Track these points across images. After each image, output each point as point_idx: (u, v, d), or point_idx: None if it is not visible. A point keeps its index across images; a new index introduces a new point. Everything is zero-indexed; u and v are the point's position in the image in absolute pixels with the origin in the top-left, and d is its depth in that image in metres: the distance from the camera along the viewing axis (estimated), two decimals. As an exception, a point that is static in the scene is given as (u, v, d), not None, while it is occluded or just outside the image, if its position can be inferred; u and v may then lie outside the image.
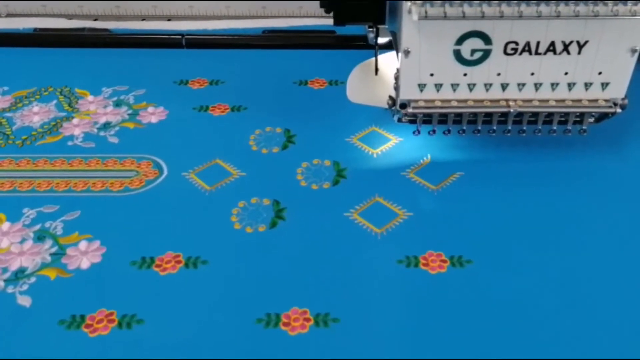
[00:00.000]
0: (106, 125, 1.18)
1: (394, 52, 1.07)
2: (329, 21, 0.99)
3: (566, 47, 0.95)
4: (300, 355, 0.80)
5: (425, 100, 0.99)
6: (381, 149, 1.13)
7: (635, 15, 0.90)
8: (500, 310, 0.85)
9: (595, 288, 0.88)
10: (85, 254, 0.93)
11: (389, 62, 1.13)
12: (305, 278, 0.90)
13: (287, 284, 0.89)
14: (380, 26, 1.03)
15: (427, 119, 1.02)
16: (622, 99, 1.00)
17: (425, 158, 1.10)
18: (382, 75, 1.13)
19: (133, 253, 0.93)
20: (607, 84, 0.98)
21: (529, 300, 0.87)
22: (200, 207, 1.01)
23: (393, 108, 1.02)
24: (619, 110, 1.00)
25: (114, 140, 1.15)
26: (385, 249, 0.94)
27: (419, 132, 1.04)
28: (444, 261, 0.92)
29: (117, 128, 1.18)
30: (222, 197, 1.03)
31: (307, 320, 0.84)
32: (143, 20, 1.52)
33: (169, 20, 1.52)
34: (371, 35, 1.08)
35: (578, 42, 0.94)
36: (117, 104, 1.24)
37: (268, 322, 0.84)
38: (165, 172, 1.07)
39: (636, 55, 0.95)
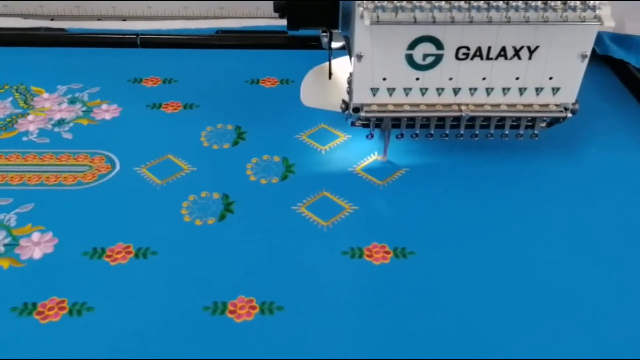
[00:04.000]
0: (61, 122, 1.20)
1: (347, 57, 1.08)
2: (282, 22, 1.01)
3: (517, 53, 0.96)
4: (246, 341, 0.82)
5: (378, 104, 1.00)
6: (329, 145, 1.15)
7: (584, 22, 0.92)
8: (441, 300, 0.88)
9: (536, 281, 0.91)
10: (37, 245, 0.94)
11: (342, 66, 1.14)
12: (252, 268, 0.92)
13: (234, 274, 0.91)
14: (334, 31, 1.04)
15: (379, 123, 1.04)
16: (573, 104, 1.01)
17: (372, 154, 1.13)
18: (335, 79, 1.15)
19: (85, 244, 0.95)
20: (558, 89, 1.00)
21: (468, 290, 0.90)
22: (151, 201, 1.03)
23: (346, 112, 1.03)
24: (569, 115, 1.01)
25: (68, 136, 1.17)
26: (330, 241, 0.96)
27: (372, 136, 1.06)
28: (388, 252, 0.95)
29: (71, 124, 1.20)
30: (173, 191, 1.05)
31: (253, 308, 0.86)
32: (99, 20, 1.54)
33: (124, 20, 1.54)
34: (325, 40, 1.09)
35: (529, 48, 0.95)
36: (72, 102, 1.26)
37: (215, 309, 0.86)
38: (118, 166, 1.09)
39: (586, 60, 0.97)
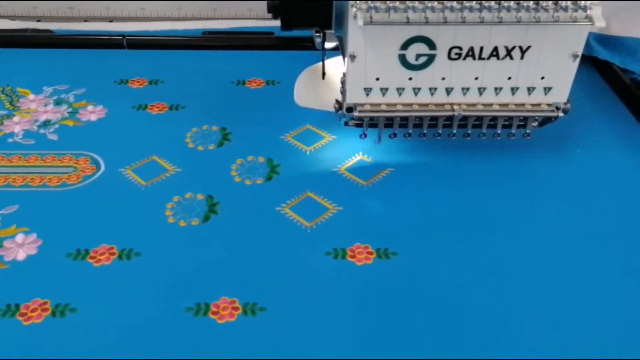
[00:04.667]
0: (46, 123, 1.20)
1: (340, 57, 1.08)
2: (268, 23, 1.01)
3: (509, 53, 0.97)
4: (228, 342, 0.82)
5: (372, 104, 1.01)
6: (314, 146, 1.16)
7: (576, 22, 0.92)
8: (423, 300, 0.88)
9: (522, 281, 0.91)
10: (21, 246, 0.94)
11: (335, 66, 1.14)
12: (235, 269, 0.92)
13: (217, 275, 0.91)
14: (327, 31, 1.04)
15: (373, 123, 1.04)
16: (565, 104, 1.02)
17: (357, 155, 1.13)
18: (329, 79, 1.15)
19: (68, 245, 0.95)
20: (550, 88, 1.00)
21: (451, 291, 0.90)
22: (135, 202, 1.03)
23: (340, 112, 1.03)
24: (561, 114, 1.02)
25: (54, 137, 1.17)
26: (314, 242, 0.97)
27: (365, 136, 1.06)
28: (371, 253, 0.95)
29: (56, 126, 1.20)
30: (158, 192, 1.05)
31: (236, 309, 0.87)
32: (86, 21, 1.54)
33: (111, 21, 1.54)
34: (318, 40, 1.09)
35: (521, 48, 0.96)
36: (58, 103, 1.26)
37: (197, 310, 0.86)
38: (103, 168, 1.09)
39: (578, 60, 0.97)
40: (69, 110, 1.24)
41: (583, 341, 0.83)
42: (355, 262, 0.94)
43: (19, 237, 0.96)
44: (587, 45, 1.35)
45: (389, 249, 0.96)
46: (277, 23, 1.01)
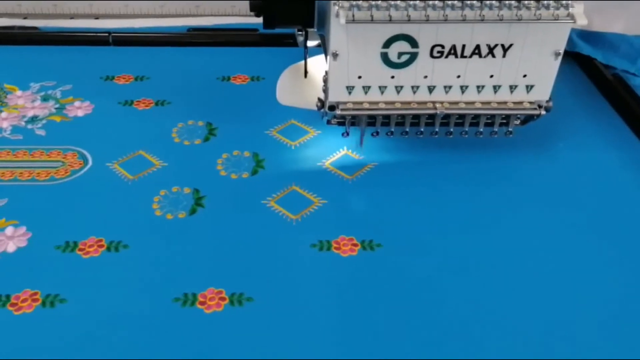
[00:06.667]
0: (34, 119, 1.21)
1: (323, 55, 1.09)
2: (253, 20, 1.01)
3: (491, 51, 0.97)
4: (215, 332, 0.84)
5: (354, 102, 1.01)
6: (299, 141, 1.17)
7: (557, 20, 0.93)
8: (407, 290, 0.90)
9: (505, 275, 0.93)
10: (11, 239, 0.96)
11: (318, 65, 1.16)
12: (222, 261, 0.94)
13: (204, 266, 0.93)
14: (310, 30, 1.05)
15: (355, 121, 1.05)
16: (547, 102, 1.03)
17: (342, 149, 1.15)
18: (311, 78, 1.16)
19: (57, 238, 0.96)
20: (532, 86, 1.01)
21: (434, 282, 0.92)
22: (123, 195, 1.04)
23: (322, 110, 1.04)
24: (543, 112, 1.03)
25: (41, 132, 1.18)
26: (299, 234, 0.98)
27: (347, 134, 1.07)
28: (355, 245, 0.97)
29: (44, 121, 1.21)
30: (145, 186, 1.06)
31: (223, 299, 0.88)
32: (72, 18, 1.55)
33: (96, 18, 1.55)
34: (301, 39, 1.10)
35: (503, 46, 0.97)
36: (45, 99, 1.27)
37: (185, 301, 0.87)
38: (90, 162, 1.11)
39: (559, 58, 0.98)
40: (56, 106, 1.25)
41: (566, 339, 0.85)
42: (340, 254, 0.95)
43: (9, 230, 0.97)
44: (570, 40, 1.35)
45: (373, 240, 0.97)
46: (261, 20, 1.02)
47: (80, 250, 0.94)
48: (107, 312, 0.86)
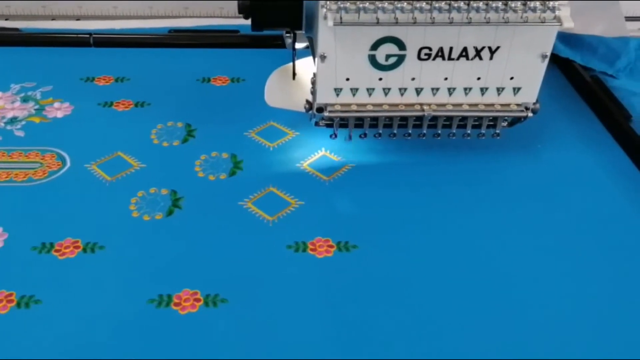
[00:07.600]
0: (13, 120, 1.21)
1: (311, 57, 1.10)
2: (234, 21, 1.01)
3: (478, 53, 0.97)
4: (190, 333, 0.84)
5: (342, 104, 1.02)
6: (278, 142, 1.18)
7: (544, 22, 0.94)
8: (382, 291, 0.91)
9: (481, 275, 0.93)
10: (-13, 240, 0.96)
11: (306, 67, 1.15)
12: (198, 262, 0.94)
13: (180, 268, 0.93)
14: (298, 32, 1.05)
15: (344, 123, 1.05)
16: (534, 104, 1.03)
17: (320, 151, 1.15)
18: (299, 79, 1.16)
19: (34, 239, 0.96)
20: (519, 88, 1.01)
21: (410, 284, 0.92)
22: (100, 197, 1.04)
23: (310, 112, 1.04)
24: (530, 114, 1.03)
25: (20, 133, 1.18)
26: (275, 235, 0.98)
27: (335, 136, 1.07)
28: (331, 246, 0.97)
29: (23, 122, 1.21)
30: (122, 187, 1.06)
31: (198, 300, 0.88)
32: (53, 19, 1.55)
33: (78, 19, 1.55)
34: (289, 41, 1.10)
35: (490, 48, 0.97)
36: (25, 100, 1.27)
37: (160, 302, 0.88)
38: (68, 163, 1.11)
39: (546, 60, 0.99)
40: (36, 107, 1.25)
41: (548, 338, 0.85)
42: (316, 255, 0.96)
43: (-15, 231, 0.97)
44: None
45: (349, 242, 0.98)
46: (243, 21, 1.02)
47: (57, 251, 0.95)
48: (82, 314, 0.86)
